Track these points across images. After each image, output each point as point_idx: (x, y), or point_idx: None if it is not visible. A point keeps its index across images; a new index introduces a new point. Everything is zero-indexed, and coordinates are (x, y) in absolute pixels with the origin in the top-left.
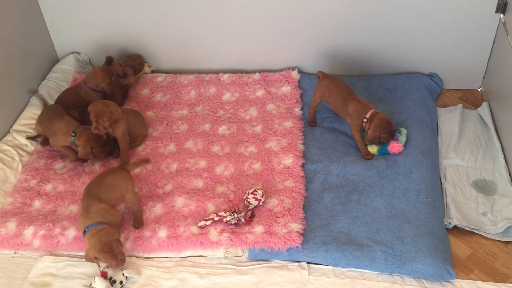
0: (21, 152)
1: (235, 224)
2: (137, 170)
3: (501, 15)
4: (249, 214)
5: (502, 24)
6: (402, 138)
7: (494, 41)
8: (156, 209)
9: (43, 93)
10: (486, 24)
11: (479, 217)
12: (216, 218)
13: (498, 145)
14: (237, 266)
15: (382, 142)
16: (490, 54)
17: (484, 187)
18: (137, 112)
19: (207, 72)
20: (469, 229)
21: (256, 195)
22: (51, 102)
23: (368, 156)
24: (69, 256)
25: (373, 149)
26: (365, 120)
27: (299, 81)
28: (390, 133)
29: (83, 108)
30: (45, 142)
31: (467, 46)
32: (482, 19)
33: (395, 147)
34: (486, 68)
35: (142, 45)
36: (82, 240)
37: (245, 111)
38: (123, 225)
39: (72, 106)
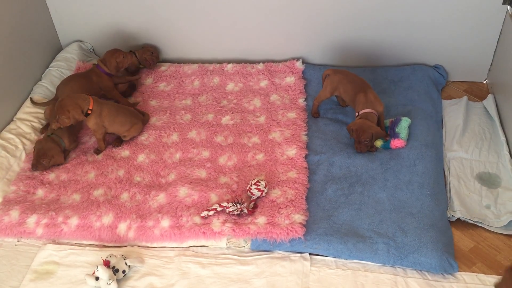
0: (24, 140)
1: (238, 214)
2: (140, 159)
3: (508, 7)
4: (252, 205)
5: (509, 16)
6: (403, 134)
7: (500, 33)
8: (159, 199)
9: (46, 82)
10: (493, 15)
11: (482, 210)
12: (219, 209)
13: (502, 138)
14: (240, 256)
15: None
16: (496, 46)
17: (488, 180)
18: (120, 109)
19: (210, 62)
20: (472, 222)
21: (259, 186)
22: (54, 90)
23: (372, 149)
24: (72, 244)
25: (377, 142)
26: (357, 114)
27: (303, 72)
28: (358, 142)
29: (95, 95)
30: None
31: (473, 37)
32: (488, 11)
33: (396, 144)
34: (492, 60)
35: (146, 34)
36: (85, 229)
37: (249, 101)
38: (125, 215)
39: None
